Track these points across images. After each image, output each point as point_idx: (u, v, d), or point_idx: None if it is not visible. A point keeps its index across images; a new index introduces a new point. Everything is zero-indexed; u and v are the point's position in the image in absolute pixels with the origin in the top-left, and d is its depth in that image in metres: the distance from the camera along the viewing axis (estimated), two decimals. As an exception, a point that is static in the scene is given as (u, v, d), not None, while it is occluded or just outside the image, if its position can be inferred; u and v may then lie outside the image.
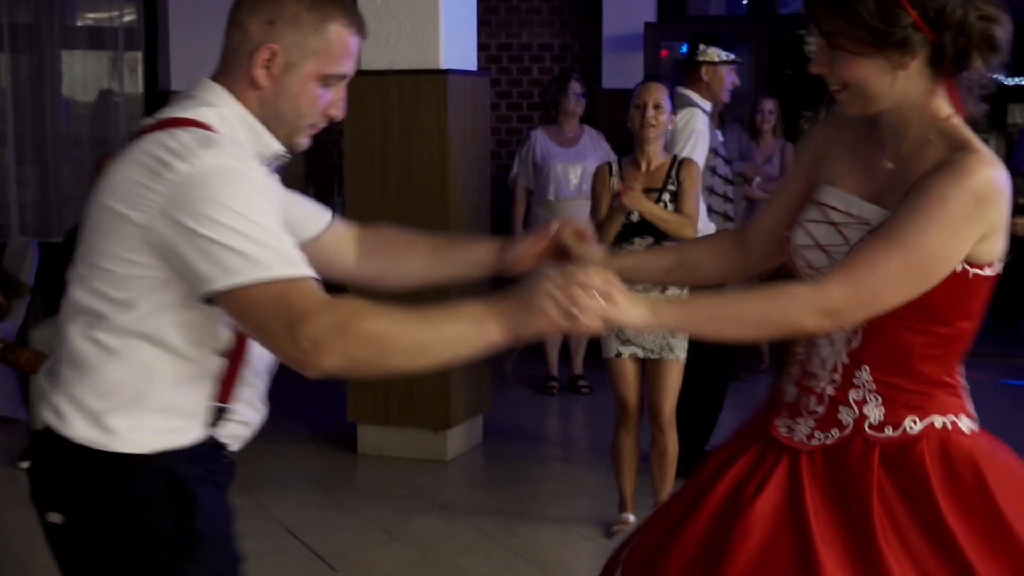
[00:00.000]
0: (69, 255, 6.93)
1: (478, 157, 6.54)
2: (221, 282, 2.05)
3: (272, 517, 5.54)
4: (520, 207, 8.06)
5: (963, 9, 2.20)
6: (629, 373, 5.12)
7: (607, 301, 2.11)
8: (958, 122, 2.28)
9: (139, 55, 9.49)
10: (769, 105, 8.54)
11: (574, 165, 7.82)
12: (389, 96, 6.23)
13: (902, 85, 2.25)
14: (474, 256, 2.75)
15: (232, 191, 2.09)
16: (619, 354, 5.09)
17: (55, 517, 2.31)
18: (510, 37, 9.92)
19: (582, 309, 2.08)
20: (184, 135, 2.16)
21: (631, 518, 5.24)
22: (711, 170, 5.87)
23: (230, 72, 2.30)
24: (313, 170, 10.13)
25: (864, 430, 2.33)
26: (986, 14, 2.22)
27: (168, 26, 9.18)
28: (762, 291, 2.33)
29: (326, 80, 2.31)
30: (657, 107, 5.05)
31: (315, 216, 2.69)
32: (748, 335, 2.38)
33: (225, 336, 2.25)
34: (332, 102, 2.35)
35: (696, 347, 5.16)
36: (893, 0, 2.18)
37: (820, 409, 2.39)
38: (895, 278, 2.20)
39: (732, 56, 6.05)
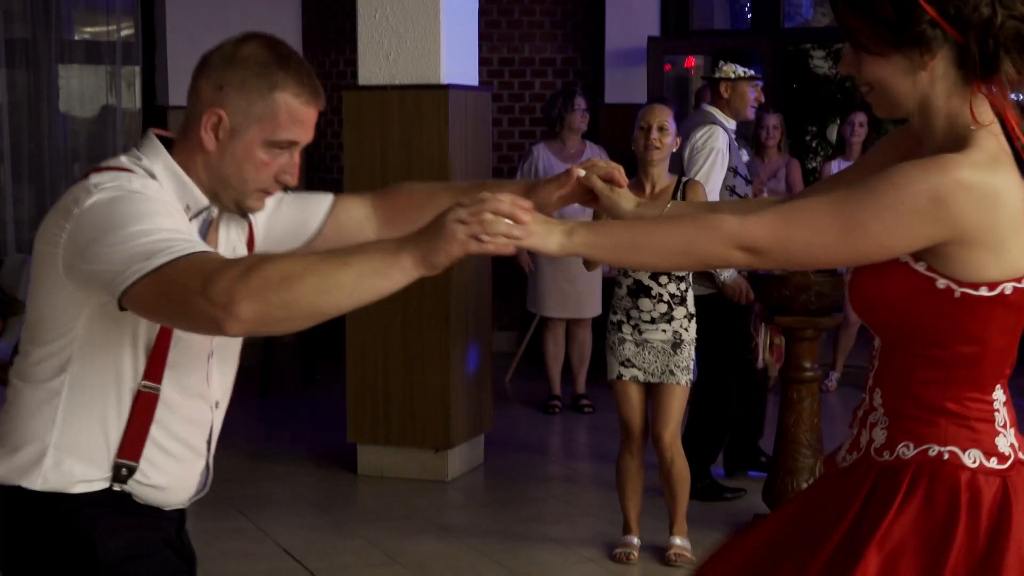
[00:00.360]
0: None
1: (480, 173, 6.53)
2: (135, 275, 2.09)
3: (271, 539, 5.52)
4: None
5: (990, 8, 2.10)
6: (632, 395, 5.10)
7: (518, 224, 2.07)
8: (990, 131, 2.15)
9: (137, 70, 9.49)
10: (773, 120, 8.52)
11: (577, 181, 7.81)
12: (390, 111, 6.23)
13: (926, 87, 2.17)
14: None
15: (125, 209, 2.18)
16: (620, 376, 5.07)
17: None
18: (512, 51, 9.92)
19: (491, 233, 2.04)
20: (99, 176, 2.27)
21: (635, 540, 5.22)
22: (730, 189, 5.86)
23: (186, 132, 2.38)
24: (313, 185, 10.12)
25: (870, 453, 2.28)
26: (1020, 14, 2.11)
27: (166, 40, 9.18)
28: (686, 218, 2.28)
29: (272, 146, 2.34)
30: (661, 129, 5.05)
31: (315, 203, 2.72)
32: (667, 263, 2.30)
33: (131, 386, 2.33)
34: (284, 168, 2.38)
35: (704, 369, 5.14)
36: None
37: (853, 431, 2.35)
38: (828, 243, 2.12)
39: (751, 72, 6.01)
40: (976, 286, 2.13)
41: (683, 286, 5.09)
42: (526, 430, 7.63)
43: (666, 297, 5.00)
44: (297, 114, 2.34)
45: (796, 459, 5.17)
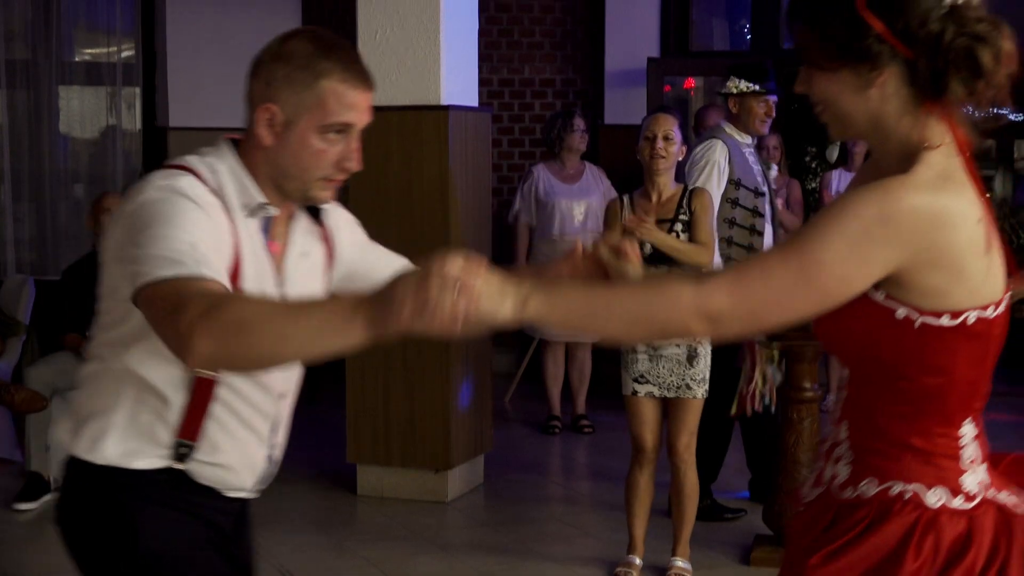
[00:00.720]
0: (66, 293, 6.98)
1: (480, 194, 6.55)
2: (138, 282, 2.19)
3: (271, 558, 5.51)
4: (523, 244, 8.06)
5: (940, 23, 2.01)
6: (646, 412, 5.09)
7: (467, 294, 1.90)
8: (943, 152, 2.07)
9: (137, 91, 9.52)
10: (773, 141, 8.52)
11: (579, 201, 7.84)
12: (390, 132, 6.25)
13: (876, 106, 2.08)
14: None
15: (161, 210, 2.28)
16: (635, 392, 5.07)
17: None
18: (512, 72, 9.96)
19: (437, 304, 1.89)
20: (156, 175, 2.39)
21: (637, 561, 5.20)
22: (732, 202, 5.89)
23: (247, 132, 2.47)
24: (313, 207, 10.14)
25: (832, 489, 2.19)
26: (971, 31, 2.02)
27: (166, 62, 9.21)
28: (643, 286, 2.16)
29: (326, 131, 2.41)
30: (667, 138, 5.07)
31: (396, 263, 2.78)
32: (625, 333, 2.17)
33: (188, 371, 2.40)
34: (344, 154, 2.45)
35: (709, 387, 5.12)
36: (857, 9, 2.04)
37: (819, 465, 2.26)
38: (788, 290, 1.99)
39: (755, 87, 6.04)
40: (937, 314, 2.04)
41: None
42: (526, 450, 7.63)
43: None
44: (345, 98, 2.41)
45: (796, 479, 5.18)
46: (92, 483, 2.47)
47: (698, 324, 2.02)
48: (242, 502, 2.64)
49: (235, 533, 2.62)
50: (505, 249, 8.24)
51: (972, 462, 2.13)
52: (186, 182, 2.35)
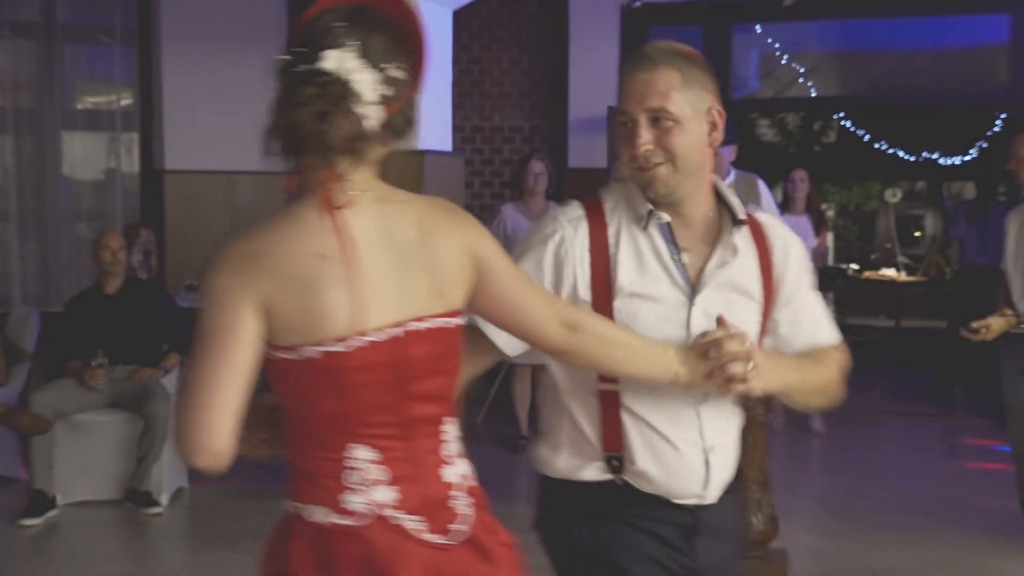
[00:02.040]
0: (68, 323, 6.96)
1: (453, 231, 6.56)
2: None
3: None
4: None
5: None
6: None
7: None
8: (307, 196, 2.05)
9: (135, 136, 9.53)
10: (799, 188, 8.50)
11: (543, 239, 7.85)
12: (370, 175, 6.27)
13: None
14: None
15: (520, 244, 2.44)
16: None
17: None
18: (483, 119, 10.01)
19: None
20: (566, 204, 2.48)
21: None
22: None
23: None
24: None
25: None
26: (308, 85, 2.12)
27: (163, 109, 9.23)
28: None
29: (620, 122, 2.36)
30: None
31: (812, 332, 2.57)
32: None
33: (593, 387, 2.39)
34: (628, 143, 2.35)
35: None
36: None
37: None
38: (203, 362, 1.95)
39: None
40: (279, 348, 1.98)
41: None
42: (495, 469, 7.63)
43: None
44: (622, 87, 2.35)
45: (746, 497, 5.21)
46: (548, 493, 2.51)
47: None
48: (700, 510, 2.43)
49: (688, 543, 2.44)
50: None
51: (361, 483, 2.03)
52: (559, 214, 2.41)
